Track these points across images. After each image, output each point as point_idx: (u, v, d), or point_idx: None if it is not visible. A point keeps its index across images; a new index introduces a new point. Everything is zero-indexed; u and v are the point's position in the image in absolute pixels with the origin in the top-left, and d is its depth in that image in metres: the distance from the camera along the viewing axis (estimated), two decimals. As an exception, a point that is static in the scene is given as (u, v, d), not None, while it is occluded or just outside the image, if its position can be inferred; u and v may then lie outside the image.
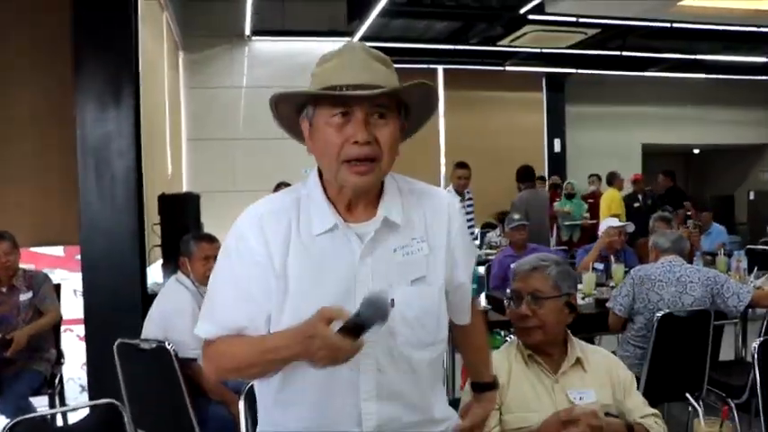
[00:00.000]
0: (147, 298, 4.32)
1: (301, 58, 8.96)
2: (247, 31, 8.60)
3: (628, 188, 10.92)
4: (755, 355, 2.95)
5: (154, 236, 5.33)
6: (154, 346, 3.17)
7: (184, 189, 8.17)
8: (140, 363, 3.23)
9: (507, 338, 3.60)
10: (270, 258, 1.44)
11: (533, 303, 2.16)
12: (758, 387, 2.97)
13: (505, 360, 2.19)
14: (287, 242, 1.45)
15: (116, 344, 3.25)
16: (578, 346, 2.21)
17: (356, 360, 1.33)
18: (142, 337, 3.46)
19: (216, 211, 7.68)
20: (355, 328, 1.27)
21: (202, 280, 3.58)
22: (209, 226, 6.98)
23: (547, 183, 10.99)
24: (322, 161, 1.47)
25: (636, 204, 10.17)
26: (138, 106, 4.53)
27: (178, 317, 3.42)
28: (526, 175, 7.55)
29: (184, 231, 4.44)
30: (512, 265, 2.37)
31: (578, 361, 2.18)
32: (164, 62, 6.98)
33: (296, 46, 9.00)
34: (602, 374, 2.18)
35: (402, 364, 1.49)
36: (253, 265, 1.44)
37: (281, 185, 6.56)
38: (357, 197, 1.49)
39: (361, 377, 1.45)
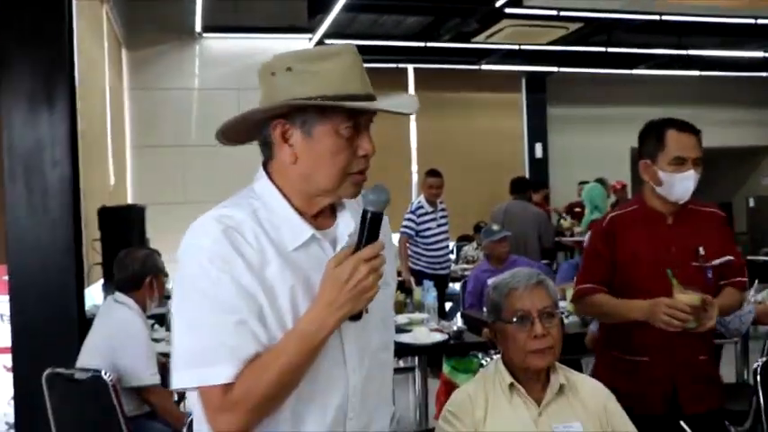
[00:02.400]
0: (86, 322, 4.23)
1: (258, 57, 8.75)
2: (198, 28, 8.55)
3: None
4: (758, 378, 2.95)
5: (94, 253, 5.24)
6: (89, 375, 3.10)
7: (129, 201, 8.07)
8: (74, 395, 3.16)
9: (484, 361, 3.60)
10: (251, 274, 1.40)
11: (546, 321, 2.14)
12: (762, 413, 2.97)
13: (482, 391, 2.16)
14: (262, 257, 1.42)
15: (45, 374, 3.18)
16: (561, 372, 2.19)
17: (343, 360, 1.46)
18: (77, 365, 3.39)
19: (164, 225, 7.58)
20: (361, 233, 1.39)
21: (162, 299, 3.70)
22: (156, 241, 6.91)
23: (538, 194, 10.96)
24: (316, 172, 1.46)
25: (620, 212, 10.25)
26: (75, 109, 4.46)
27: (131, 341, 3.39)
28: (518, 186, 7.58)
29: (128, 247, 4.36)
30: (489, 281, 2.34)
31: (562, 389, 2.16)
32: (104, 61, 6.91)
33: (252, 44, 8.96)
34: (590, 404, 2.17)
35: (377, 368, 1.56)
36: (236, 286, 1.39)
37: None
38: (326, 206, 1.53)
39: (350, 380, 1.50)
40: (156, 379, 3.37)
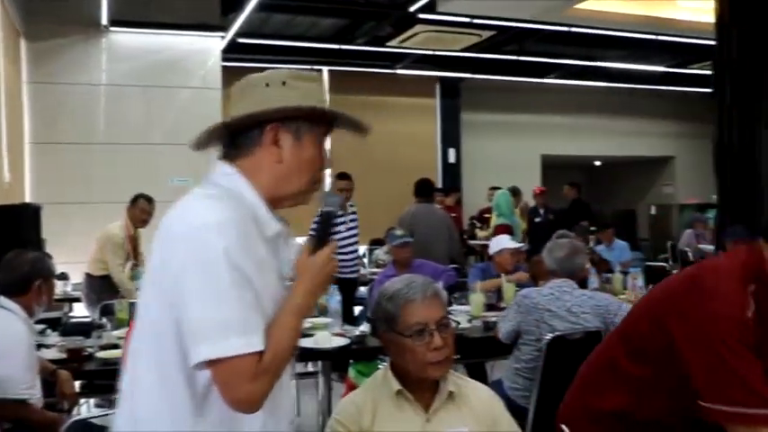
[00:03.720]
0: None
1: (167, 53, 8.73)
2: (104, 21, 8.28)
3: (529, 199, 11.16)
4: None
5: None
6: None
7: (27, 200, 7.73)
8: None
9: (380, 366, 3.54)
10: (253, 259, 1.54)
11: (443, 332, 2.12)
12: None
13: (370, 398, 2.13)
14: (257, 245, 1.58)
15: None
16: (451, 379, 2.18)
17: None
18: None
19: (65, 226, 7.33)
20: (324, 229, 1.68)
21: (52, 302, 3.52)
22: (53, 243, 6.64)
23: (448, 198, 11.02)
24: (297, 175, 1.68)
25: (537, 219, 10.43)
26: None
27: (13, 349, 3.17)
28: (423, 190, 7.56)
29: (21, 248, 4.15)
30: (380, 288, 2.27)
31: (451, 395, 2.15)
32: (-2, 51, 6.61)
33: (162, 40, 8.76)
34: (479, 411, 2.16)
35: None
36: (246, 269, 1.52)
37: (139, 199, 6.36)
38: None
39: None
40: (31, 393, 3.16)
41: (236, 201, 1.59)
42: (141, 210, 6.33)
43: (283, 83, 1.66)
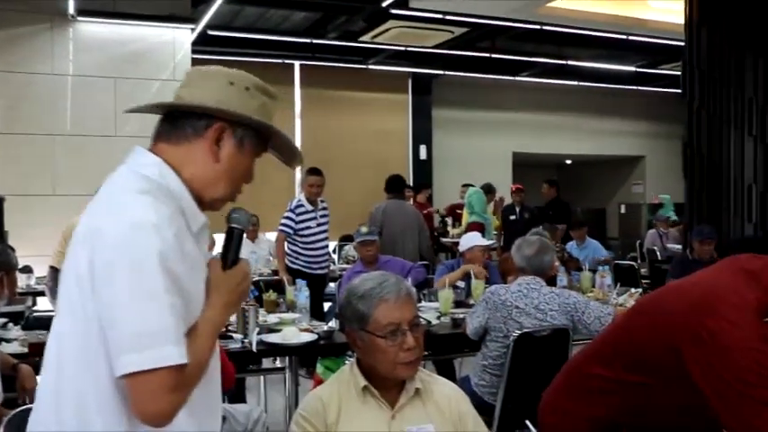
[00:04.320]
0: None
1: (135, 44, 8.63)
2: (71, 10, 8.17)
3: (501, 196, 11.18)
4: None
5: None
6: None
7: (-10, 192, 7.61)
8: None
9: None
10: (178, 257, 1.49)
11: (416, 332, 2.11)
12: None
13: (336, 394, 2.12)
14: (183, 239, 1.53)
15: None
16: (418, 376, 2.18)
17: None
18: None
19: (29, 218, 7.22)
20: (234, 247, 1.65)
21: (15, 296, 3.52)
22: (17, 235, 6.55)
23: (419, 195, 11.00)
24: (225, 182, 1.64)
25: (512, 217, 10.47)
26: None
27: None
28: (394, 186, 7.58)
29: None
30: (349, 286, 2.23)
31: (417, 392, 2.15)
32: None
33: (131, 30, 8.65)
34: (444, 407, 2.16)
35: None
36: (168, 270, 1.45)
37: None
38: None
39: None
40: None
41: (166, 195, 1.54)
42: None
43: (247, 88, 1.64)
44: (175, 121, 1.62)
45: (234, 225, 1.67)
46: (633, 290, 5.79)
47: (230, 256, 1.64)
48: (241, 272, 1.63)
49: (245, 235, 1.73)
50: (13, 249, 3.78)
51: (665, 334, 2.05)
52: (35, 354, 3.71)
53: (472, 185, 11.25)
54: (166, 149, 1.61)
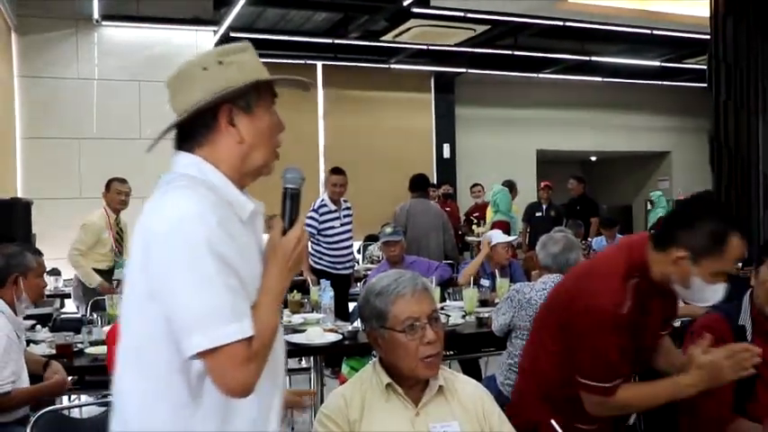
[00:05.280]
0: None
1: (158, 48, 8.69)
2: (96, 15, 8.25)
3: (526, 194, 11.10)
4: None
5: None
6: None
7: (19, 195, 7.70)
8: None
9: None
10: (235, 245, 1.55)
11: (435, 326, 2.10)
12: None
13: (358, 392, 2.11)
14: (236, 231, 1.58)
15: None
16: (441, 374, 2.16)
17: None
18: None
19: (56, 221, 7.30)
20: (290, 207, 1.67)
21: (37, 299, 3.48)
22: (44, 238, 6.62)
23: (438, 191, 10.97)
24: (259, 149, 1.67)
25: (538, 214, 10.39)
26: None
27: None
28: (418, 185, 7.56)
29: (11, 243, 4.12)
30: (367, 286, 2.24)
31: (441, 390, 2.14)
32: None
33: (155, 34, 8.72)
34: (469, 405, 2.15)
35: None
36: (225, 261, 1.52)
37: (112, 182, 6.44)
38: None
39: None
40: (7, 388, 3.13)
41: (208, 188, 1.60)
42: (117, 192, 6.38)
43: (219, 62, 1.66)
44: (188, 130, 1.68)
45: (287, 185, 1.70)
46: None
47: (285, 218, 1.67)
48: (294, 237, 1.65)
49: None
50: (40, 253, 3.79)
51: (560, 298, 2.63)
52: (63, 355, 3.75)
53: (479, 185, 11.22)
54: (199, 153, 1.67)
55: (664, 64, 12.57)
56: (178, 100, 1.68)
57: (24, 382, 3.25)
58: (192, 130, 1.67)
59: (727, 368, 2.21)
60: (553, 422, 2.25)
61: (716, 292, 2.33)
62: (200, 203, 1.53)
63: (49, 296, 5.95)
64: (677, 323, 3.26)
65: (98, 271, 6.15)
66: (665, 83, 14.22)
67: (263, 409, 1.65)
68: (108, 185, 6.41)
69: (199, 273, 1.49)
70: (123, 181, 6.42)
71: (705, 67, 7.53)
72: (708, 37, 7.37)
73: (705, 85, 7.44)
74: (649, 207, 12.63)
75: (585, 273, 2.58)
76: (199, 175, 1.63)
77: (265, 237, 1.71)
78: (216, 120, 1.64)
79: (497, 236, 5.73)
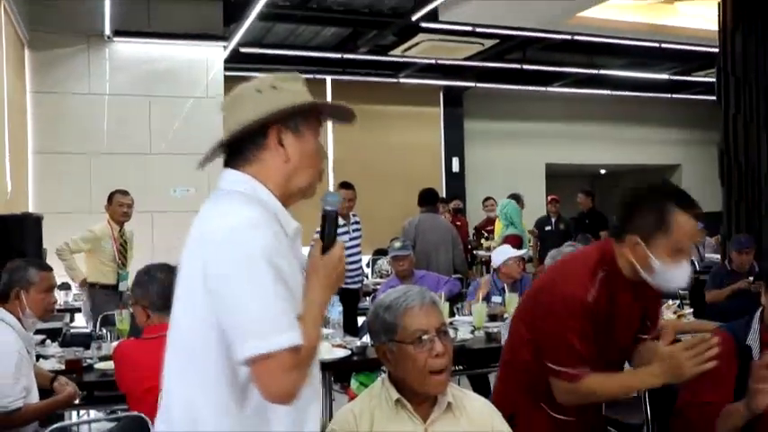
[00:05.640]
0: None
1: (169, 63, 8.75)
2: (107, 31, 8.30)
3: (535, 208, 11.05)
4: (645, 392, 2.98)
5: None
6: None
7: (30, 209, 7.73)
8: None
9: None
10: (285, 259, 1.61)
11: (444, 339, 2.10)
12: (648, 423, 3.00)
13: (367, 407, 2.11)
14: (285, 245, 1.65)
15: None
16: (450, 390, 2.16)
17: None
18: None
19: (66, 236, 7.29)
20: (329, 229, 1.75)
21: (42, 314, 3.43)
22: (54, 254, 6.62)
23: (447, 206, 10.94)
24: (305, 170, 1.76)
25: (547, 228, 10.36)
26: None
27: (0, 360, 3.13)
28: (427, 199, 7.54)
29: (22, 258, 4.13)
30: (376, 301, 2.25)
31: (450, 407, 2.13)
32: (2, 60, 6.60)
33: (165, 49, 8.77)
34: (477, 422, 2.14)
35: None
36: (279, 271, 1.58)
37: (114, 195, 6.49)
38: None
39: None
40: (19, 404, 3.12)
41: (260, 205, 1.66)
42: (119, 204, 6.43)
43: (273, 87, 1.74)
44: (238, 149, 1.75)
45: (326, 208, 1.79)
46: (671, 301, 5.65)
47: (326, 240, 1.74)
48: (336, 256, 1.73)
49: None
50: (50, 268, 3.79)
51: (536, 294, 2.67)
52: (72, 370, 3.75)
53: (491, 198, 11.17)
54: (247, 171, 1.74)
55: (672, 77, 12.56)
56: (231, 119, 1.75)
57: (34, 398, 3.24)
58: (242, 147, 1.74)
59: (686, 360, 2.22)
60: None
61: (680, 273, 2.36)
62: (255, 214, 1.60)
63: (58, 311, 5.95)
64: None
65: (104, 286, 6.18)
66: (673, 96, 14.20)
67: (300, 417, 1.69)
68: (110, 198, 6.46)
69: (257, 280, 1.55)
70: (125, 193, 6.47)
71: (714, 79, 7.52)
72: (716, 50, 7.37)
73: (714, 97, 7.43)
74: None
75: (560, 265, 2.72)
76: (251, 192, 1.70)
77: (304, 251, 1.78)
78: (265, 138, 1.72)
79: (507, 251, 5.71)
